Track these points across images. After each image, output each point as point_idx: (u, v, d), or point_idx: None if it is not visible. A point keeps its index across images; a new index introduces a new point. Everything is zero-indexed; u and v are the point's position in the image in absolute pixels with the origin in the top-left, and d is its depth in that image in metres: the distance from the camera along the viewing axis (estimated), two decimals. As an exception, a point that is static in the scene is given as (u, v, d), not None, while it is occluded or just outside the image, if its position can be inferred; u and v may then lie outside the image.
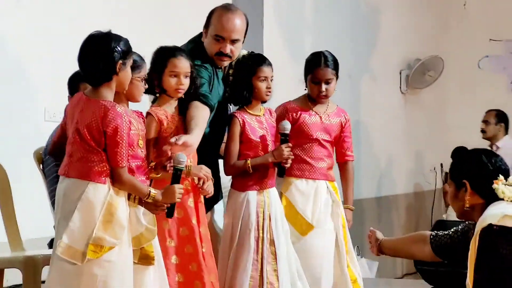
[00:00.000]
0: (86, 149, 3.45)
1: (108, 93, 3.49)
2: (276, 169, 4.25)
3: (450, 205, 3.31)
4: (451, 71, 8.78)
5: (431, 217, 8.66)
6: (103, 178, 3.46)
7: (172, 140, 3.72)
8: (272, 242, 4.21)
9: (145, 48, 3.83)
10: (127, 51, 3.49)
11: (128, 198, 3.59)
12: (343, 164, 4.65)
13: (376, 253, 3.66)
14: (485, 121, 7.44)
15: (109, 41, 3.46)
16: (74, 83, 4.28)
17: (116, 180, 3.49)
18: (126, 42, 3.51)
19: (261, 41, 6.44)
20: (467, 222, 3.35)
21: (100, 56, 3.44)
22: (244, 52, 4.33)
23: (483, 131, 7.44)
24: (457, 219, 6.21)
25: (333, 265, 4.48)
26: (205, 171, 3.94)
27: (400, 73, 8.46)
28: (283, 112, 4.51)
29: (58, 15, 5.16)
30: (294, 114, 4.52)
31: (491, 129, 7.40)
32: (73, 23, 5.08)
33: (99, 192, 3.44)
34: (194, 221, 3.95)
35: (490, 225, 2.98)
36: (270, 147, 4.26)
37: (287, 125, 4.28)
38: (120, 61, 3.46)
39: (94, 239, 3.40)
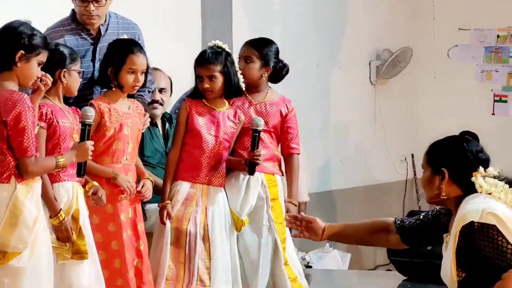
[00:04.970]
0: None
1: (9, 84, 3.31)
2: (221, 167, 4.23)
3: (423, 189, 3.23)
4: (421, 60, 8.75)
5: (402, 207, 8.64)
6: (7, 178, 3.24)
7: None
8: (206, 239, 4.13)
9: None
10: (36, 46, 3.33)
11: None
12: (286, 157, 4.50)
13: (320, 238, 3.50)
14: None
15: (16, 30, 3.32)
16: None
17: (23, 172, 3.27)
18: (40, 37, 3.36)
19: (230, 31, 6.38)
20: (436, 208, 3.28)
21: (1, 42, 3.31)
22: (220, 43, 4.28)
23: None
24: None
25: (271, 263, 4.39)
26: (130, 185, 3.91)
27: (370, 64, 8.41)
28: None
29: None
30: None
31: None
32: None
33: (2, 193, 3.22)
34: (123, 217, 3.89)
35: (472, 223, 2.92)
36: (221, 144, 4.20)
37: (260, 121, 4.22)
38: (22, 51, 3.29)
39: None
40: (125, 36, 4.16)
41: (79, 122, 3.65)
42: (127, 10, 5.58)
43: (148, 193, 4.03)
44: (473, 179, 3.04)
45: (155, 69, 5.15)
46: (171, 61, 5.55)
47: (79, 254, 3.55)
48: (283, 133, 4.47)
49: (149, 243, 4.14)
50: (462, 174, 3.07)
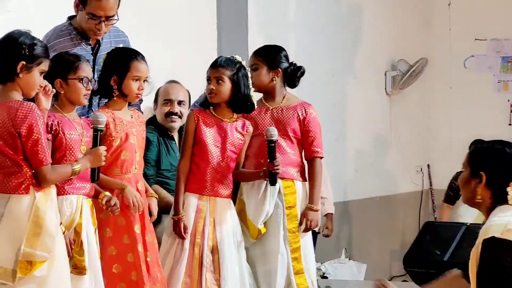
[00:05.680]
0: (2, 160, 3.27)
1: (14, 95, 3.31)
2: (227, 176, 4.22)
3: (460, 188, 3.15)
4: (437, 71, 8.72)
5: (418, 218, 8.61)
6: (26, 188, 3.27)
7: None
8: (215, 250, 4.11)
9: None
10: (37, 56, 3.33)
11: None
12: (309, 161, 4.46)
13: None
14: None
15: (17, 40, 3.31)
16: None
17: (41, 181, 3.30)
18: (41, 47, 3.36)
19: (246, 43, 6.39)
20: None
21: (2, 53, 3.31)
22: (238, 57, 4.30)
23: None
24: (447, 221, 6.16)
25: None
26: (138, 199, 3.86)
27: (385, 74, 8.40)
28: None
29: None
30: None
31: None
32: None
33: (23, 204, 3.25)
34: (137, 229, 3.87)
35: (493, 237, 2.88)
36: (228, 156, 4.19)
37: (273, 131, 4.20)
38: (23, 62, 3.29)
39: (23, 255, 3.21)
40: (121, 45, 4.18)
41: (91, 127, 3.65)
42: (141, 23, 5.62)
43: (155, 212, 4.03)
44: (508, 189, 2.97)
45: (174, 81, 5.16)
46: (187, 74, 5.56)
47: (78, 269, 3.53)
48: (303, 138, 4.44)
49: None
50: (499, 182, 2.99)
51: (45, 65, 3.40)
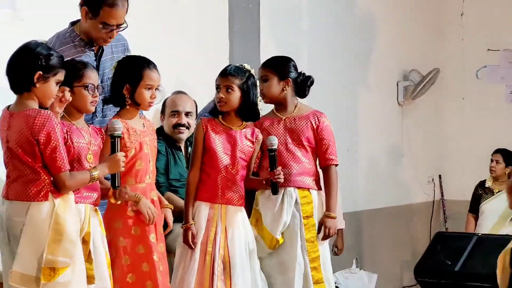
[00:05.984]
0: (21, 168, 3.31)
1: (31, 104, 3.36)
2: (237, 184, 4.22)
3: (507, 194, 3.17)
4: (450, 81, 8.71)
5: (429, 228, 8.59)
6: (44, 195, 3.30)
7: None
8: (226, 259, 4.12)
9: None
10: (52, 66, 3.38)
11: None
12: (324, 169, 4.49)
13: None
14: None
15: (33, 51, 3.37)
16: None
17: (61, 188, 3.34)
18: (57, 57, 3.40)
19: (257, 52, 6.39)
20: None
21: (20, 64, 3.36)
22: (247, 66, 4.31)
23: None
24: (458, 231, 6.14)
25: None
26: (152, 211, 3.85)
27: (397, 85, 8.40)
28: (256, 126, 4.44)
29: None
30: (259, 124, 4.44)
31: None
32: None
33: (43, 211, 3.29)
34: (152, 238, 3.86)
35: None
36: (238, 163, 4.19)
37: (274, 140, 4.22)
38: (40, 72, 3.34)
39: (46, 262, 3.24)
40: (132, 52, 4.19)
41: (108, 135, 3.67)
42: (152, 31, 5.65)
43: (171, 223, 4.04)
44: None
45: (181, 92, 5.17)
46: (198, 84, 5.57)
47: (86, 278, 3.52)
48: (317, 146, 4.47)
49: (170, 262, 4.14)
50: None
51: (61, 75, 3.45)
